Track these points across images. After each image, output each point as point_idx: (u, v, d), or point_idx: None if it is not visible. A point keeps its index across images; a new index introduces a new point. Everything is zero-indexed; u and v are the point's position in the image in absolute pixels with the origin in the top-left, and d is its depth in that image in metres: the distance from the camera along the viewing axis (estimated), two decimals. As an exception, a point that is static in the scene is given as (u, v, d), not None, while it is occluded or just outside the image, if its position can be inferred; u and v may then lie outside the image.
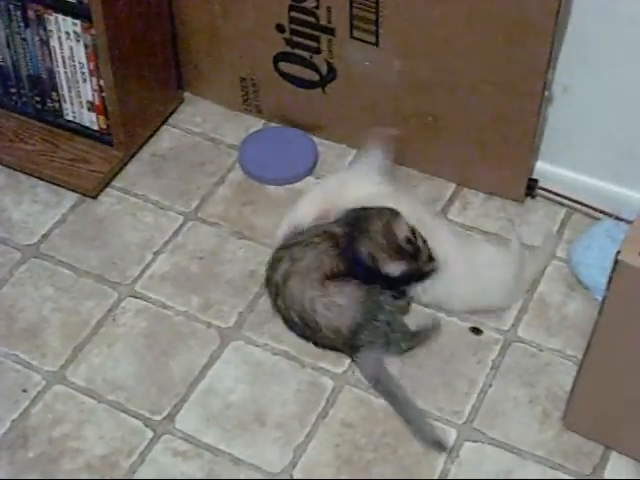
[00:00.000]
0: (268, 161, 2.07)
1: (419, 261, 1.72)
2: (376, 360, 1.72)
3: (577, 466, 1.62)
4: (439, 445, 1.63)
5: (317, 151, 2.08)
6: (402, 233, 1.70)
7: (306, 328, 1.73)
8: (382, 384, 1.70)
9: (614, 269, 1.41)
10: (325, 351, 1.76)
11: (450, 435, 1.66)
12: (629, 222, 1.77)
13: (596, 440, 1.64)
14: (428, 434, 1.64)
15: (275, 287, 1.75)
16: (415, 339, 1.75)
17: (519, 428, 1.67)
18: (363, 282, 1.72)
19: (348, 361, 1.75)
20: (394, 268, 1.71)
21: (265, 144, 2.11)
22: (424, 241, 1.72)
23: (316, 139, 2.10)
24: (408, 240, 1.70)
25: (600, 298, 1.50)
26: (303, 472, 1.61)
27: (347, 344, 1.72)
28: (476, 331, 1.79)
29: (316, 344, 1.75)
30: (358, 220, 1.73)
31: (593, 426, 1.63)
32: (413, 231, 1.71)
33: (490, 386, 1.72)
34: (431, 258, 1.73)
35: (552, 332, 1.79)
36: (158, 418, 1.68)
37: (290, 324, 1.76)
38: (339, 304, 1.70)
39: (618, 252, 1.40)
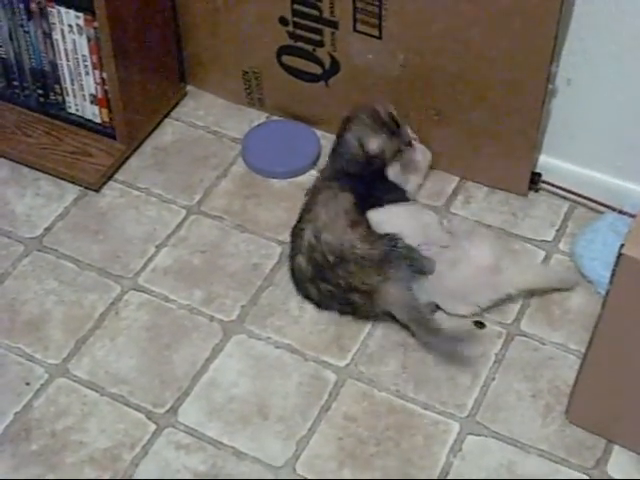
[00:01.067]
0: (271, 154, 2.06)
1: (400, 139, 1.85)
2: (408, 289, 1.73)
3: (580, 460, 1.62)
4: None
5: (320, 144, 2.08)
6: (385, 110, 1.84)
7: (343, 271, 1.73)
8: (415, 311, 1.72)
9: (618, 263, 1.41)
10: (329, 345, 1.76)
11: (453, 429, 1.66)
12: (632, 216, 1.76)
13: (599, 434, 1.64)
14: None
15: (309, 250, 1.76)
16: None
17: (522, 422, 1.67)
18: (360, 190, 1.81)
19: (351, 354, 1.75)
20: (375, 143, 1.82)
21: (268, 137, 2.10)
22: (406, 125, 1.87)
23: (319, 132, 2.10)
24: (391, 116, 1.84)
25: (603, 292, 1.50)
26: (306, 465, 1.61)
27: (381, 274, 1.73)
28: (479, 325, 1.79)
29: (349, 290, 1.75)
30: (346, 119, 1.87)
31: (596, 420, 1.63)
32: (393, 114, 1.85)
33: (493, 380, 1.72)
34: (410, 143, 1.86)
35: (555, 326, 1.79)
36: (161, 411, 1.68)
37: (326, 276, 1.76)
38: (370, 235, 1.75)
39: (622, 246, 1.40)
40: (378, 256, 1.73)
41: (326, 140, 2.08)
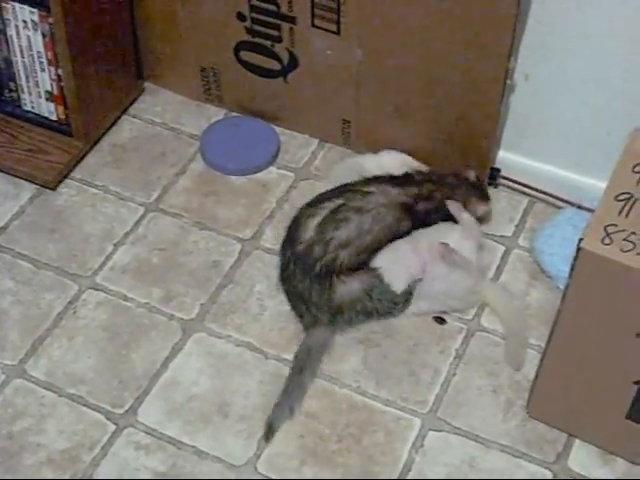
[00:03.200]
0: (230, 151, 2.05)
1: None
2: (325, 337, 1.74)
3: (541, 454, 1.63)
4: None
5: (279, 141, 2.07)
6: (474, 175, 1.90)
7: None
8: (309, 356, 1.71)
9: (576, 257, 1.42)
10: (289, 342, 1.75)
11: (414, 425, 1.66)
12: (591, 210, 1.77)
13: (559, 428, 1.65)
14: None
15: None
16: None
17: (483, 417, 1.67)
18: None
19: (312, 352, 1.75)
20: (482, 210, 1.89)
21: (226, 134, 2.09)
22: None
23: (278, 129, 2.09)
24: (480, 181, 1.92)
25: (562, 286, 1.51)
26: (267, 464, 1.60)
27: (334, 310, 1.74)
28: (440, 320, 1.79)
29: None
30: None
31: (556, 414, 1.64)
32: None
33: (454, 375, 1.72)
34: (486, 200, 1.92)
35: (515, 321, 1.80)
36: (120, 411, 1.66)
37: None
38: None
39: (580, 240, 1.40)
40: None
41: (285, 136, 2.08)
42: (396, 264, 1.75)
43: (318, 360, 1.72)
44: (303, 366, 1.69)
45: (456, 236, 1.79)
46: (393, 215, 1.78)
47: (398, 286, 1.74)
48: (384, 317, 1.76)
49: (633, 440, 1.59)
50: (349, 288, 1.73)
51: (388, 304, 1.74)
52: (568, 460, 1.62)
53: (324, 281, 1.72)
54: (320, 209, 1.77)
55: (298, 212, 1.80)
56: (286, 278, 1.78)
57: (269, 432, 1.63)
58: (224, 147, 2.06)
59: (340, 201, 1.77)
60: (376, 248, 1.76)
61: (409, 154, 1.98)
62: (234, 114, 2.14)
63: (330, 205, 1.76)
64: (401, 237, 1.78)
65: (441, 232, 1.80)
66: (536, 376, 1.62)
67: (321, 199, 1.80)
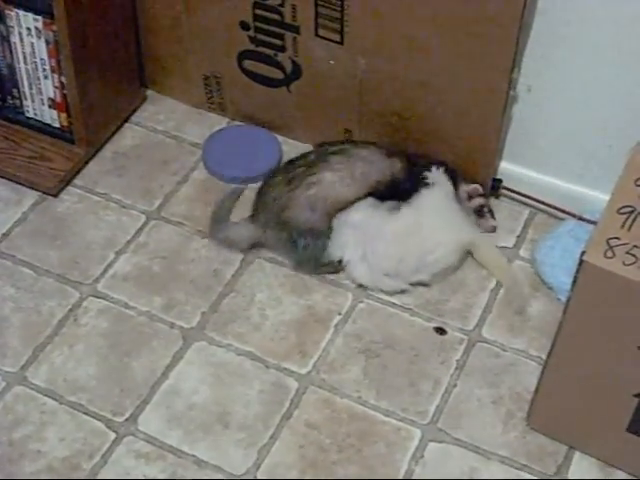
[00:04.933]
0: (232, 159, 2.05)
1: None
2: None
3: (541, 466, 1.63)
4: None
5: (281, 150, 2.07)
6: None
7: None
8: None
9: (579, 269, 1.42)
10: (290, 352, 1.75)
11: (415, 436, 1.66)
12: (592, 222, 1.77)
13: (560, 440, 1.65)
14: None
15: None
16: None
17: (483, 428, 1.67)
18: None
19: (312, 361, 1.74)
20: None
21: (229, 142, 2.09)
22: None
23: (281, 138, 2.09)
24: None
25: (564, 298, 1.51)
26: (267, 474, 1.60)
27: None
28: (440, 331, 1.79)
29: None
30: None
31: (557, 426, 1.64)
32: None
33: (454, 386, 1.72)
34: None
35: (516, 332, 1.80)
36: (120, 419, 1.66)
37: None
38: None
39: (583, 252, 1.41)
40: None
41: (287, 146, 2.08)
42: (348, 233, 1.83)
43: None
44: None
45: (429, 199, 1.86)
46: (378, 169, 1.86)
47: (334, 253, 1.84)
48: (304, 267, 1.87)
49: (633, 453, 1.59)
50: (297, 213, 1.83)
51: (312, 259, 1.86)
52: (568, 472, 1.62)
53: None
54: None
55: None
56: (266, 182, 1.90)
57: None
58: (226, 155, 2.06)
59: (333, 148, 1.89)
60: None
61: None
62: (236, 123, 2.14)
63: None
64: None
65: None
66: (537, 388, 1.62)
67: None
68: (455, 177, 1.91)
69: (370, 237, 1.81)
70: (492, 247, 1.90)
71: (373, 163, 1.85)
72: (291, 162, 1.91)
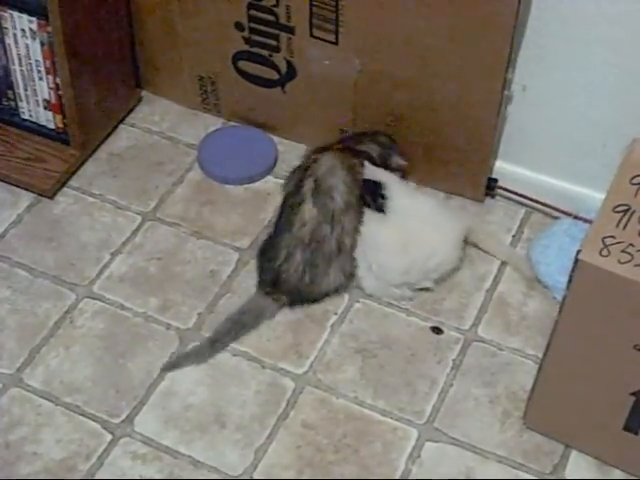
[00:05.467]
0: (227, 160, 2.05)
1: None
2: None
3: (538, 465, 1.63)
4: None
5: (277, 150, 2.07)
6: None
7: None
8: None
9: (575, 268, 1.42)
10: (286, 352, 1.75)
11: (411, 435, 1.66)
12: (588, 221, 1.77)
13: (556, 439, 1.65)
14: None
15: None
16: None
17: (480, 428, 1.67)
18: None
19: (309, 361, 1.74)
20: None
21: (224, 143, 2.09)
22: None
23: (276, 138, 2.09)
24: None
25: (560, 297, 1.51)
26: (264, 474, 1.60)
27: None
28: (437, 331, 1.79)
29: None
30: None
31: (553, 425, 1.64)
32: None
33: (451, 386, 1.72)
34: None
35: (512, 331, 1.80)
36: (116, 421, 1.66)
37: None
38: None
39: (579, 251, 1.41)
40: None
41: (283, 146, 2.08)
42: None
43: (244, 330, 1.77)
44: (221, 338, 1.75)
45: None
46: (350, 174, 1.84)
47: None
48: None
49: (630, 451, 1.59)
50: (332, 280, 1.80)
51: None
52: (565, 471, 1.62)
53: (330, 261, 1.78)
54: (302, 192, 1.80)
55: (282, 201, 1.84)
56: (275, 258, 1.79)
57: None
58: (221, 156, 2.06)
59: (312, 176, 1.81)
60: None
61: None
62: (232, 123, 2.14)
63: (308, 183, 1.80)
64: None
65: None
66: (533, 387, 1.62)
67: (295, 184, 1.83)
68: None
69: (370, 249, 1.81)
70: (483, 228, 1.92)
71: (337, 186, 1.81)
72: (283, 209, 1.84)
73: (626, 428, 1.55)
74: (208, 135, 2.10)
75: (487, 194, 2.00)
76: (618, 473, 1.62)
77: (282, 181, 1.95)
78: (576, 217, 1.89)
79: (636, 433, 1.55)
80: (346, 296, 1.84)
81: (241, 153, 2.07)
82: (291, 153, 2.07)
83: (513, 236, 1.95)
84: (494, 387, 1.72)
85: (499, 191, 1.99)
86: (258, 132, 2.10)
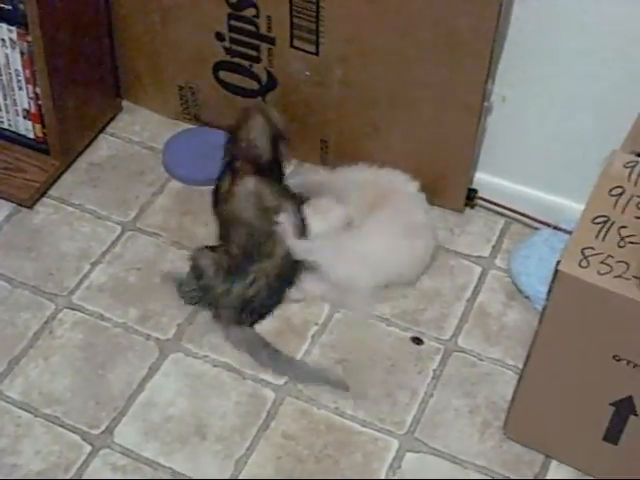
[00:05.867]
0: (191, 161, 2.05)
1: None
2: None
3: (518, 475, 1.63)
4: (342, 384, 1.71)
5: None
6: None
7: None
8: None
9: (554, 279, 1.42)
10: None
11: (392, 446, 1.66)
12: (567, 232, 1.78)
13: (536, 449, 1.65)
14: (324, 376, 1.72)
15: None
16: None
17: (460, 438, 1.67)
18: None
19: (289, 372, 1.75)
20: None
21: (188, 144, 2.09)
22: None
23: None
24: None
25: (540, 307, 1.51)
26: (244, 485, 1.60)
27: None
28: (417, 341, 1.79)
29: None
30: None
31: (533, 435, 1.64)
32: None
33: (431, 396, 1.72)
34: None
35: (492, 341, 1.80)
36: (96, 432, 1.65)
37: None
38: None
39: (558, 262, 1.41)
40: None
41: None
42: None
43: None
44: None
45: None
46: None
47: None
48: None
49: (610, 461, 1.59)
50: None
51: None
52: (545, 481, 1.63)
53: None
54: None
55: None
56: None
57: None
58: (185, 157, 2.06)
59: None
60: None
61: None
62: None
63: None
64: None
65: None
66: (513, 397, 1.63)
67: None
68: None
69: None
70: None
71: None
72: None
73: (606, 438, 1.56)
74: (173, 136, 2.10)
75: (467, 204, 2.00)
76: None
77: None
78: (556, 228, 1.90)
79: (615, 443, 1.55)
80: (326, 306, 1.84)
81: (205, 154, 2.06)
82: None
83: (493, 247, 1.96)
84: (474, 397, 1.72)
85: (479, 202, 2.00)
86: (222, 133, 2.09)
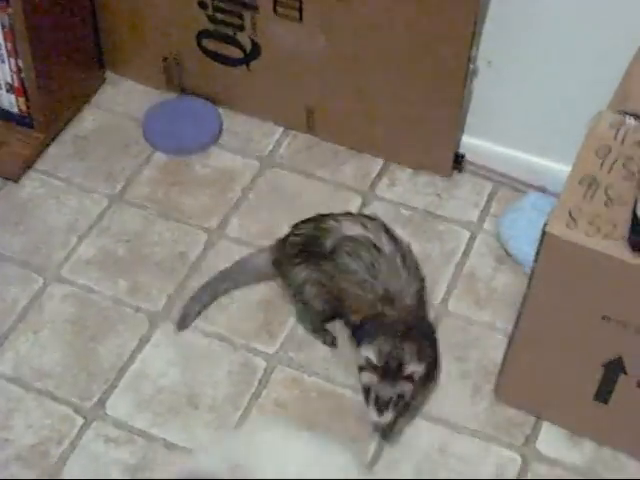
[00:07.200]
0: (171, 131, 2.04)
1: None
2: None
3: (509, 438, 1.64)
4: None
5: (221, 120, 2.07)
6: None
7: None
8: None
9: (542, 241, 1.42)
10: (258, 332, 1.75)
11: (384, 411, 1.66)
12: (555, 194, 1.78)
13: (527, 411, 1.66)
14: None
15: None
16: None
17: (452, 402, 1.67)
18: None
19: (280, 340, 1.74)
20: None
21: (168, 114, 2.08)
22: None
23: (243, 117, 2.08)
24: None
25: (529, 270, 1.51)
26: (237, 454, 1.60)
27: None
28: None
29: None
30: None
31: (524, 397, 1.65)
32: None
33: (422, 361, 1.72)
34: None
35: (482, 305, 1.80)
36: (88, 405, 1.65)
37: None
38: None
39: (545, 224, 1.41)
40: None
41: (249, 125, 2.07)
42: None
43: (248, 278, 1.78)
44: (229, 277, 1.77)
45: None
46: None
47: None
48: None
49: (601, 421, 1.60)
50: None
51: None
52: (537, 443, 1.63)
53: None
54: None
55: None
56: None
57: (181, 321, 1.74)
58: (166, 127, 2.05)
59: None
60: None
61: (373, 140, 1.98)
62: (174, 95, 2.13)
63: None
64: None
65: None
66: (504, 360, 1.63)
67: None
68: None
69: None
70: None
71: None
72: None
73: (596, 398, 1.56)
74: (153, 106, 2.09)
75: (455, 168, 2.00)
76: (589, 443, 1.63)
77: (249, 160, 1.95)
78: (544, 190, 1.90)
79: (606, 403, 1.56)
80: (316, 274, 1.84)
81: (185, 123, 2.06)
82: (258, 132, 2.07)
83: (481, 211, 1.95)
84: (465, 362, 1.73)
85: (467, 166, 2.00)
86: (202, 102, 2.09)
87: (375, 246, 1.64)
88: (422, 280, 1.67)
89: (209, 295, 1.77)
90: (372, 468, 1.59)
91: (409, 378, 1.55)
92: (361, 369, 1.58)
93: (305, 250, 1.69)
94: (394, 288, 1.62)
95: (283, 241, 1.74)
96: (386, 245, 1.64)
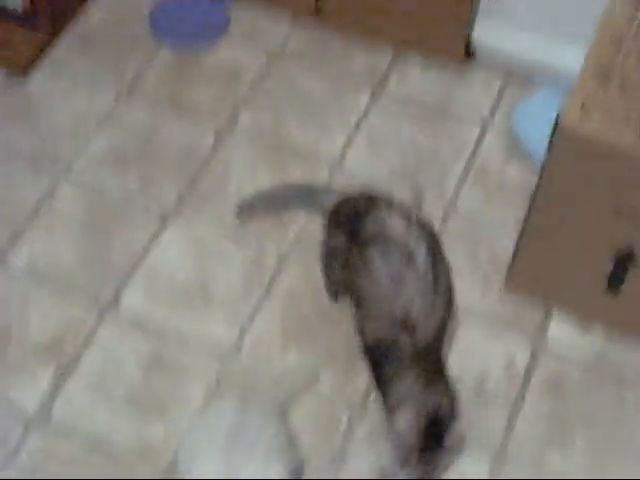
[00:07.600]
0: (178, 24, 2.03)
1: None
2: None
3: (520, 328, 1.65)
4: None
5: (228, 12, 2.05)
6: None
7: None
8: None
9: (554, 133, 1.41)
10: (269, 228, 1.75)
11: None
12: (567, 88, 1.76)
13: (539, 300, 1.66)
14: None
15: None
16: None
17: (463, 295, 1.67)
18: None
19: (293, 235, 1.75)
20: None
21: (175, 7, 2.06)
22: None
23: (251, 10, 2.05)
24: None
25: (540, 163, 1.51)
26: (251, 346, 1.62)
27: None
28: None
29: None
30: None
31: (535, 288, 1.66)
32: None
33: (433, 255, 1.73)
34: None
35: (492, 199, 1.80)
36: (102, 300, 1.67)
37: None
38: None
39: (558, 116, 1.40)
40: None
41: (256, 18, 2.05)
42: None
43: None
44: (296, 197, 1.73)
45: None
46: None
47: None
48: None
49: (611, 312, 1.61)
50: None
51: None
52: (547, 331, 1.65)
53: None
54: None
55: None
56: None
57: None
58: (171, 20, 2.04)
59: None
60: None
61: (383, 27, 1.94)
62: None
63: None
64: None
65: None
66: (515, 252, 1.64)
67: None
68: None
69: None
70: None
71: None
72: None
73: (607, 289, 1.57)
74: (159, 2, 2.07)
75: (467, 54, 1.96)
76: (599, 331, 1.64)
77: (256, 53, 1.93)
78: (556, 84, 1.88)
79: (616, 294, 1.57)
80: (326, 169, 1.83)
81: (192, 17, 2.04)
82: (265, 25, 2.04)
83: (492, 105, 1.94)
84: (475, 255, 1.73)
85: (478, 54, 1.96)
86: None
87: (410, 255, 1.46)
88: (450, 308, 1.49)
89: (274, 202, 1.76)
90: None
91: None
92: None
93: (348, 222, 1.54)
94: (416, 310, 1.44)
95: (342, 204, 1.59)
96: (421, 257, 1.46)
